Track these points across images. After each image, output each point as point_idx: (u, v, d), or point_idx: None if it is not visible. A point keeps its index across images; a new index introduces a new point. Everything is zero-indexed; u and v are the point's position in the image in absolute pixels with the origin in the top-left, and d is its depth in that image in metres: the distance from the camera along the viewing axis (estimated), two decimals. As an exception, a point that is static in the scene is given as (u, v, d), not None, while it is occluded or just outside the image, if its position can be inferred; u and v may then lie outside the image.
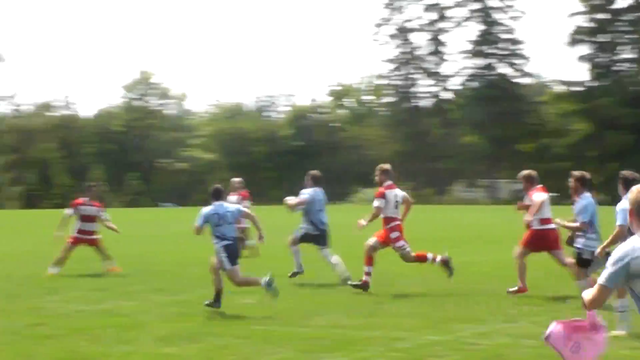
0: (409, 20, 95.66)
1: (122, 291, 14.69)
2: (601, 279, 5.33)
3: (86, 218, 18.41)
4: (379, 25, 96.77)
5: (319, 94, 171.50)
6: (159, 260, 20.72)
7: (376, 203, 15.20)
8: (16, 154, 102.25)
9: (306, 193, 16.51)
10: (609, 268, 5.28)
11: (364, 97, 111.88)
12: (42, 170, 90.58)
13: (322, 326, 11.35)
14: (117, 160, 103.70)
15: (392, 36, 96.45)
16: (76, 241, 18.12)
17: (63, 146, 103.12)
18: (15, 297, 14.20)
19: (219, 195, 13.60)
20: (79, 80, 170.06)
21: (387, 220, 15.14)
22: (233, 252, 13.15)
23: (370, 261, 15.03)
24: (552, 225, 13.92)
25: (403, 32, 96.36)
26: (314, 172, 17.35)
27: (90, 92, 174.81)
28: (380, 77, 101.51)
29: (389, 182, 15.25)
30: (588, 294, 5.43)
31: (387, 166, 15.59)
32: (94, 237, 18.42)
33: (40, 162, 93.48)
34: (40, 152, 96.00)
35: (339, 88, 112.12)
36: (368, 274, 14.91)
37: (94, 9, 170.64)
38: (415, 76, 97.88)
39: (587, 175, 12.79)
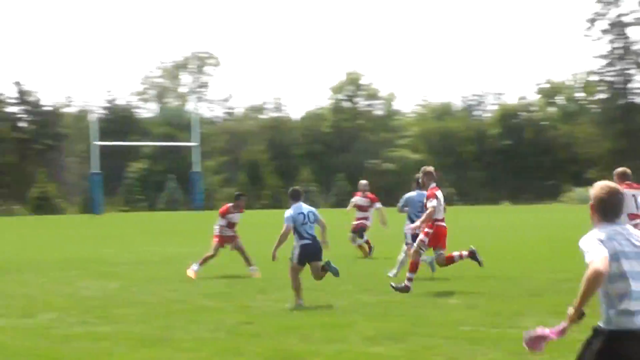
0: (625, 15, 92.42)
1: (333, 291, 14.89)
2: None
3: (231, 225, 19.39)
4: (591, 21, 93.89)
5: (528, 92, 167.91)
6: (368, 261, 20.93)
7: (430, 203, 15.31)
8: (228, 155, 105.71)
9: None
10: None
11: (575, 95, 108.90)
12: (252, 171, 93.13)
13: (529, 327, 11.13)
14: (325, 161, 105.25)
15: (605, 31, 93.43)
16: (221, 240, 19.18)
17: (272, 148, 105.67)
18: (226, 296, 14.64)
19: (298, 197, 14.32)
20: (289, 82, 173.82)
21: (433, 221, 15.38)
22: (309, 251, 13.81)
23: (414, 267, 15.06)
24: None
25: (618, 26, 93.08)
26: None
27: (299, 94, 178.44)
28: (592, 73, 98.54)
29: (433, 185, 15.42)
30: None
31: (430, 168, 15.94)
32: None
33: (250, 163, 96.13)
34: (250, 154, 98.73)
35: (548, 86, 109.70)
36: (410, 279, 14.85)
37: (303, 12, 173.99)
38: (630, 72, 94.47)
39: None
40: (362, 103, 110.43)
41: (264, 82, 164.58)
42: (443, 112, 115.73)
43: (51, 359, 9.66)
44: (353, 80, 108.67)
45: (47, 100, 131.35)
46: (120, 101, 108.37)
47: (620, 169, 15.60)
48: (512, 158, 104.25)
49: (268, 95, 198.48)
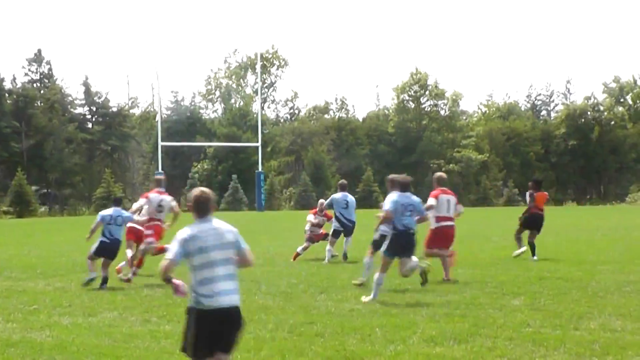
0: None
1: (394, 291, 14.83)
2: None
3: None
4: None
5: (596, 91, 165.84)
6: (428, 261, 20.75)
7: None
8: (291, 156, 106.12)
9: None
10: None
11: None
12: (315, 171, 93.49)
13: (593, 329, 11.00)
14: (390, 161, 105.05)
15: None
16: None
17: (336, 148, 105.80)
18: (288, 296, 14.65)
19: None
20: (354, 82, 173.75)
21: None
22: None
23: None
24: None
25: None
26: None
27: (363, 95, 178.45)
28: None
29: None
30: None
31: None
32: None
33: (314, 163, 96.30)
34: (314, 154, 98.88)
35: (615, 85, 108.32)
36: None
37: (367, 12, 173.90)
38: None
39: None
40: (427, 103, 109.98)
41: (328, 82, 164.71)
42: (508, 111, 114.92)
43: (114, 357, 9.74)
44: (418, 80, 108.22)
45: (114, 101, 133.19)
46: (186, 102, 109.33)
47: (438, 174, 18.08)
48: (578, 158, 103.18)
49: (333, 95, 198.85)
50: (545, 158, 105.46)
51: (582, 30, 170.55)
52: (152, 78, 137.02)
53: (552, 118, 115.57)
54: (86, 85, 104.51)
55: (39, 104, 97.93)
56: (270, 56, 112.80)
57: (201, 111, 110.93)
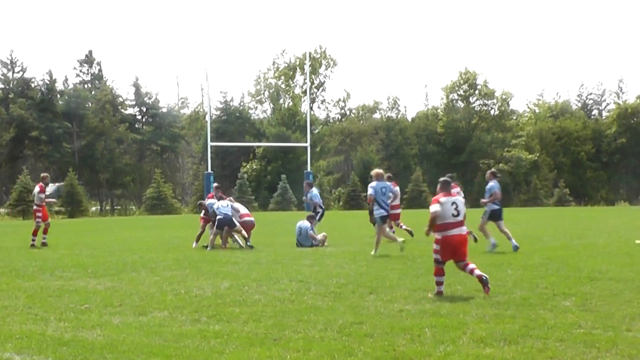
0: None
1: (444, 292, 14.76)
2: None
3: None
4: None
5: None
6: (478, 262, 20.64)
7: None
8: (341, 155, 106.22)
9: None
10: None
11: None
12: (364, 171, 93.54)
13: (646, 331, 10.87)
14: (439, 161, 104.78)
15: None
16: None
17: (385, 148, 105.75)
18: (337, 296, 14.64)
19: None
20: (403, 82, 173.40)
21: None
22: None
23: None
24: None
25: None
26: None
27: (413, 94, 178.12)
28: None
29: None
30: None
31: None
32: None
33: (363, 163, 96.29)
34: (363, 154, 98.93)
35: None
36: None
37: (416, 11, 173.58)
38: None
39: None
40: (476, 102, 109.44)
41: (377, 83, 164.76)
42: (561, 111, 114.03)
43: (164, 356, 9.79)
44: (467, 80, 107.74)
45: (164, 101, 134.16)
46: (235, 102, 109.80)
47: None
48: (630, 157, 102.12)
49: (380, 95, 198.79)
50: (597, 157, 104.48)
51: (634, 29, 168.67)
52: (201, 79, 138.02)
53: (603, 117, 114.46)
54: (136, 86, 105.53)
55: (90, 104, 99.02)
56: (318, 56, 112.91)
57: (250, 111, 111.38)
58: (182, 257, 23.47)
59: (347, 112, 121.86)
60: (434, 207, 14.71)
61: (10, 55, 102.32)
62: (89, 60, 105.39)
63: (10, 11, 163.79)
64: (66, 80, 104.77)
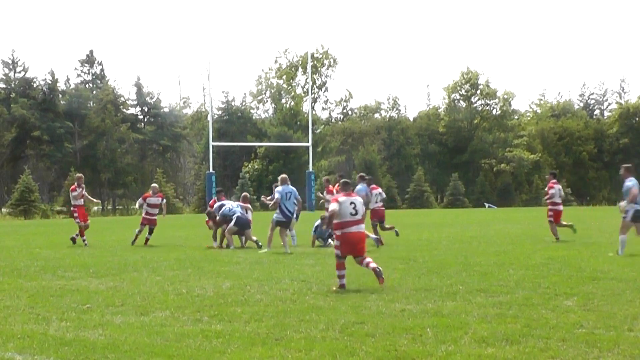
0: None
1: (445, 292, 14.75)
2: None
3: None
4: None
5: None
6: (480, 261, 20.67)
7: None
8: (342, 155, 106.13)
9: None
10: None
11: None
12: (366, 171, 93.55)
13: (648, 331, 10.86)
14: (441, 160, 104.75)
15: None
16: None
17: (387, 147, 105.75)
18: (339, 296, 14.63)
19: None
20: (404, 82, 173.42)
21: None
22: None
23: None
24: None
25: None
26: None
27: (414, 94, 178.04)
28: None
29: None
30: None
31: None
32: None
33: (365, 163, 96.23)
34: (365, 154, 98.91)
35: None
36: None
37: (418, 11, 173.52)
38: None
39: None
40: (478, 102, 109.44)
41: (379, 82, 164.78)
42: (563, 110, 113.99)
43: (165, 356, 9.79)
44: (469, 80, 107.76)
45: (165, 101, 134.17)
46: (237, 102, 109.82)
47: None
48: (632, 157, 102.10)
49: (382, 95, 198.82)
50: (599, 157, 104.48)
51: (636, 29, 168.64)
52: (203, 78, 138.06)
53: (605, 117, 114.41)
54: (138, 85, 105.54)
55: (91, 104, 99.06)
56: (320, 56, 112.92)
57: (252, 111, 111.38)
58: (183, 257, 23.50)
59: (349, 112, 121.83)
60: (332, 206, 15.61)
61: (12, 55, 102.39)
62: (90, 60, 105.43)
63: (12, 11, 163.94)
64: (68, 80, 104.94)
